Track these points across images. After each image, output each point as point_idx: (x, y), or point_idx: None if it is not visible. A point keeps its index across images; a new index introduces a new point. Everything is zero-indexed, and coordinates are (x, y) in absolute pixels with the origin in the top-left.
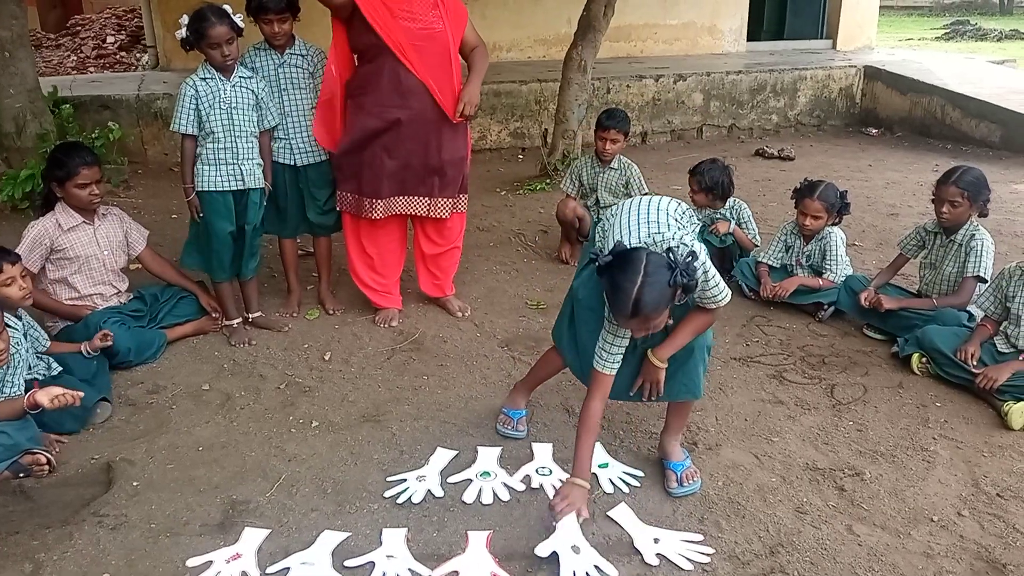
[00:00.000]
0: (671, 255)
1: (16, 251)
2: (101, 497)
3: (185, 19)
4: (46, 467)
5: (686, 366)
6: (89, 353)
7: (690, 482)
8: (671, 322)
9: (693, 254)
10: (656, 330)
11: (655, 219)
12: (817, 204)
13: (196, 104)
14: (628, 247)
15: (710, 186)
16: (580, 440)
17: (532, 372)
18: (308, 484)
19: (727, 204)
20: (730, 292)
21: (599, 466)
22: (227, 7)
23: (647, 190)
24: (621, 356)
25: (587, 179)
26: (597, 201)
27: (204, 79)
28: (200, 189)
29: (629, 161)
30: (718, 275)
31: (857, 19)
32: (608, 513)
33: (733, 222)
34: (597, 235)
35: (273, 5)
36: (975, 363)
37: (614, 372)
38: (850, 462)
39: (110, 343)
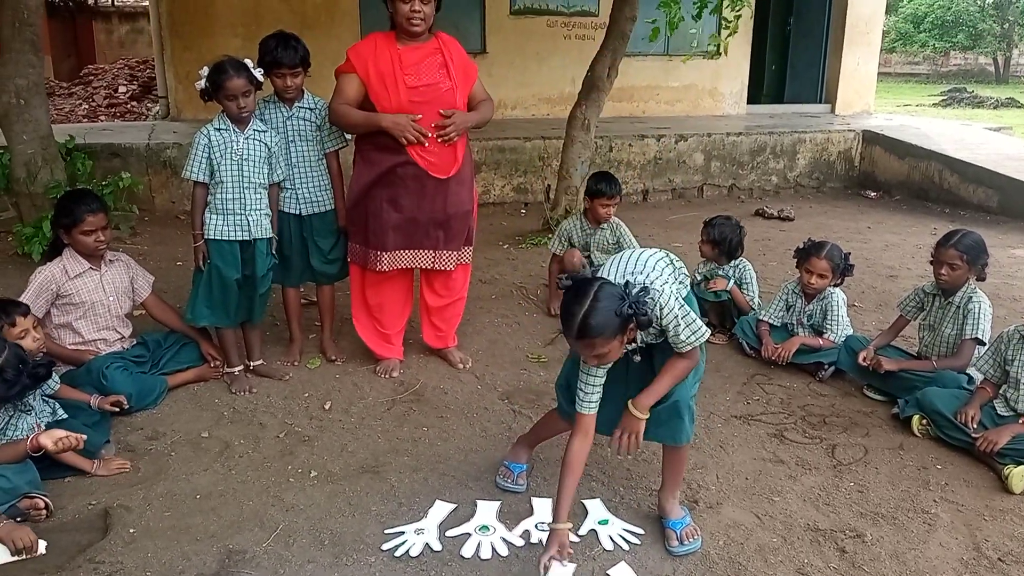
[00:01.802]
0: (626, 288)
1: (23, 296)
2: (97, 544)
3: (205, 70)
4: (44, 511)
5: (670, 422)
6: (97, 408)
7: (690, 540)
8: (638, 357)
9: (645, 289)
10: (606, 360)
11: (637, 269)
12: (824, 263)
13: (209, 153)
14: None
15: (718, 240)
16: (562, 481)
17: (534, 429)
18: (305, 535)
19: (732, 263)
20: (706, 331)
21: (599, 523)
22: (248, 61)
23: (637, 245)
24: (598, 395)
25: (578, 240)
26: (590, 259)
27: (218, 129)
28: (208, 237)
29: (618, 220)
30: (693, 317)
31: (855, 85)
32: (608, 572)
33: (732, 281)
34: None
35: (287, 61)
36: (975, 426)
37: (593, 412)
38: (851, 523)
39: (120, 409)
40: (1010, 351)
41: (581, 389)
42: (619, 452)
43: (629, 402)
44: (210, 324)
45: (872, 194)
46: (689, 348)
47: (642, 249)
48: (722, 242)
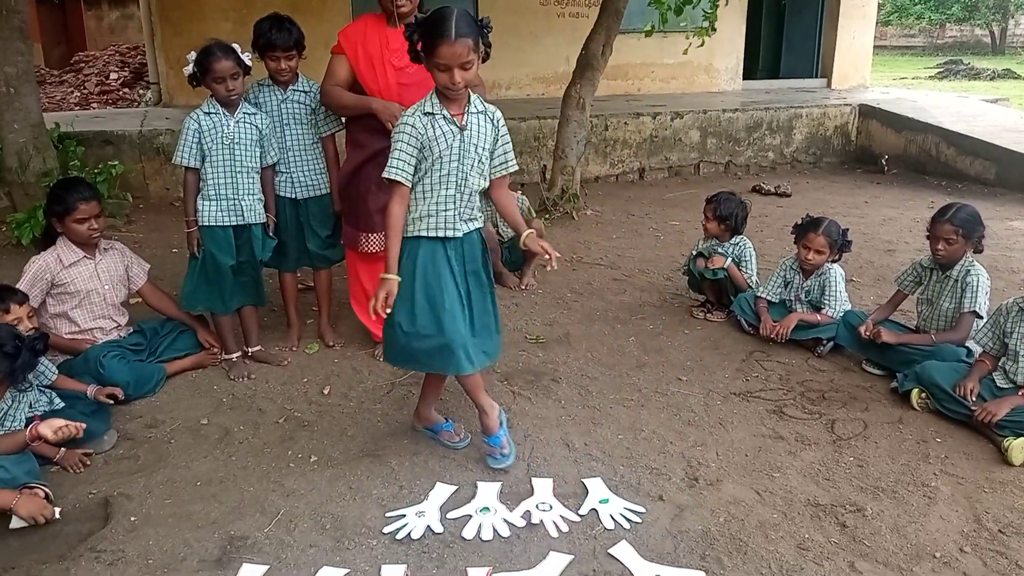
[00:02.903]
0: None
1: (17, 286)
2: (98, 532)
3: (193, 55)
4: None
5: (495, 342)
6: (93, 398)
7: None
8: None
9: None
10: (468, 76)
11: None
12: (821, 239)
13: (199, 138)
14: None
15: (725, 216)
16: (388, 239)
17: (422, 396)
18: (307, 519)
19: (732, 240)
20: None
21: (600, 502)
22: (235, 45)
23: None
24: (407, 165)
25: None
26: (498, 230)
27: (208, 114)
28: (201, 223)
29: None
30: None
31: (851, 59)
32: (609, 550)
33: (730, 259)
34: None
35: (281, 43)
36: (974, 399)
37: (401, 179)
38: (851, 498)
39: (115, 402)
40: (1009, 323)
41: (395, 158)
42: (555, 265)
43: (522, 238)
44: (206, 310)
45: (882, 160)
46: (513, 168)
47: None
48: (730, 217)
